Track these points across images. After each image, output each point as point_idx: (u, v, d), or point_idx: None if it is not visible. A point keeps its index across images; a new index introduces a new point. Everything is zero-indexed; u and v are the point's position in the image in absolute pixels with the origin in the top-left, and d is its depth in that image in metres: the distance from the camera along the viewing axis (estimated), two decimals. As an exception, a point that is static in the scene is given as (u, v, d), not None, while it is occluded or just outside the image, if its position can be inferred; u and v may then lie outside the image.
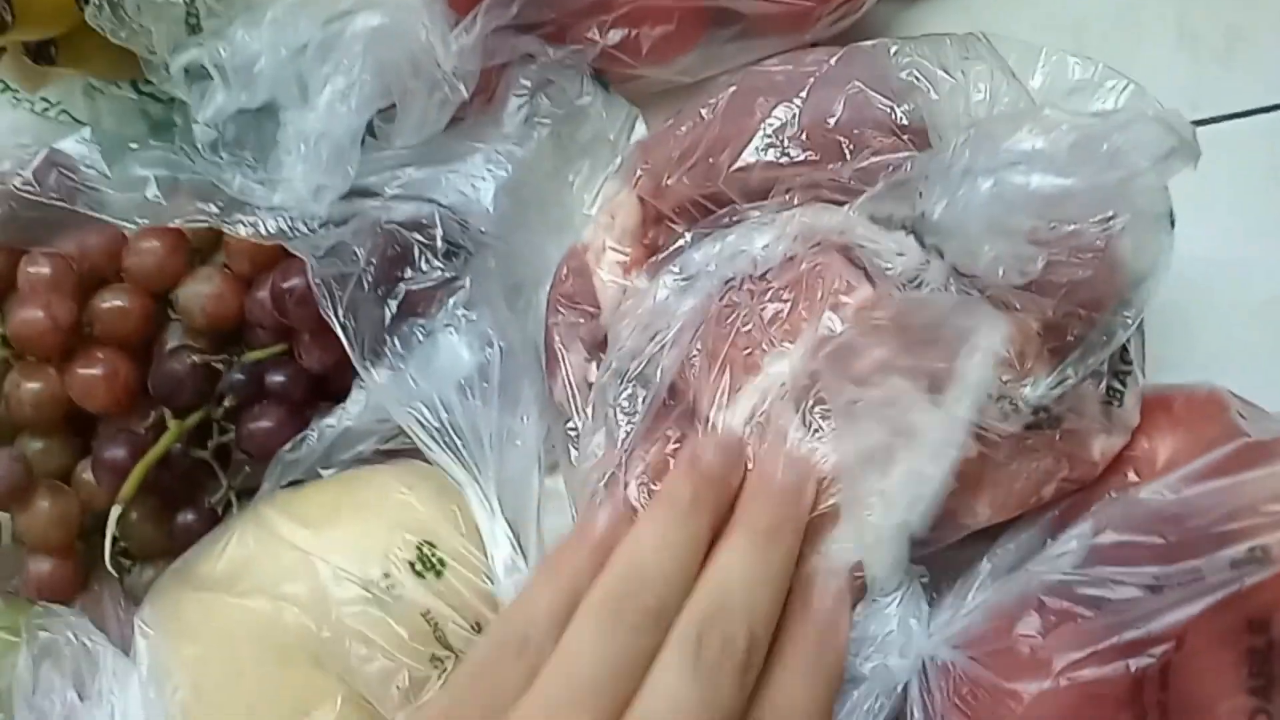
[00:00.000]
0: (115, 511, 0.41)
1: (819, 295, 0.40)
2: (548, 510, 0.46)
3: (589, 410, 0.45)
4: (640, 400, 0.43)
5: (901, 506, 0.37)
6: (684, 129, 0.45)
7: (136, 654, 0.40)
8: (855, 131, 0.42)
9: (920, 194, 0.37)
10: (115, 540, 0.43)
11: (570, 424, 0.46)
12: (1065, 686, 0.34)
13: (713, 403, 0.42)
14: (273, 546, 0.40)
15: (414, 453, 0.44)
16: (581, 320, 0.47)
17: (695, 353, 0.42)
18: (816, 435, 0.40)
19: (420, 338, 0.45)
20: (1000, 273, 0.36)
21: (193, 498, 0.45)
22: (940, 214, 0.36)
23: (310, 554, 0.40)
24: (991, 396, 0.38)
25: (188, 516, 0.45)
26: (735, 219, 0.43)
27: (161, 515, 0.45)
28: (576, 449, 0.45)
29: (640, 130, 0.54)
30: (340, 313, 0.42)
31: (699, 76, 0.53)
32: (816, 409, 0.40)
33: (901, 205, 0.40)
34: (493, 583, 0.40)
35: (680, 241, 0.44)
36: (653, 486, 0.41)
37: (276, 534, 0.40)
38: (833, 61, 0.44)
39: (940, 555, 0.40)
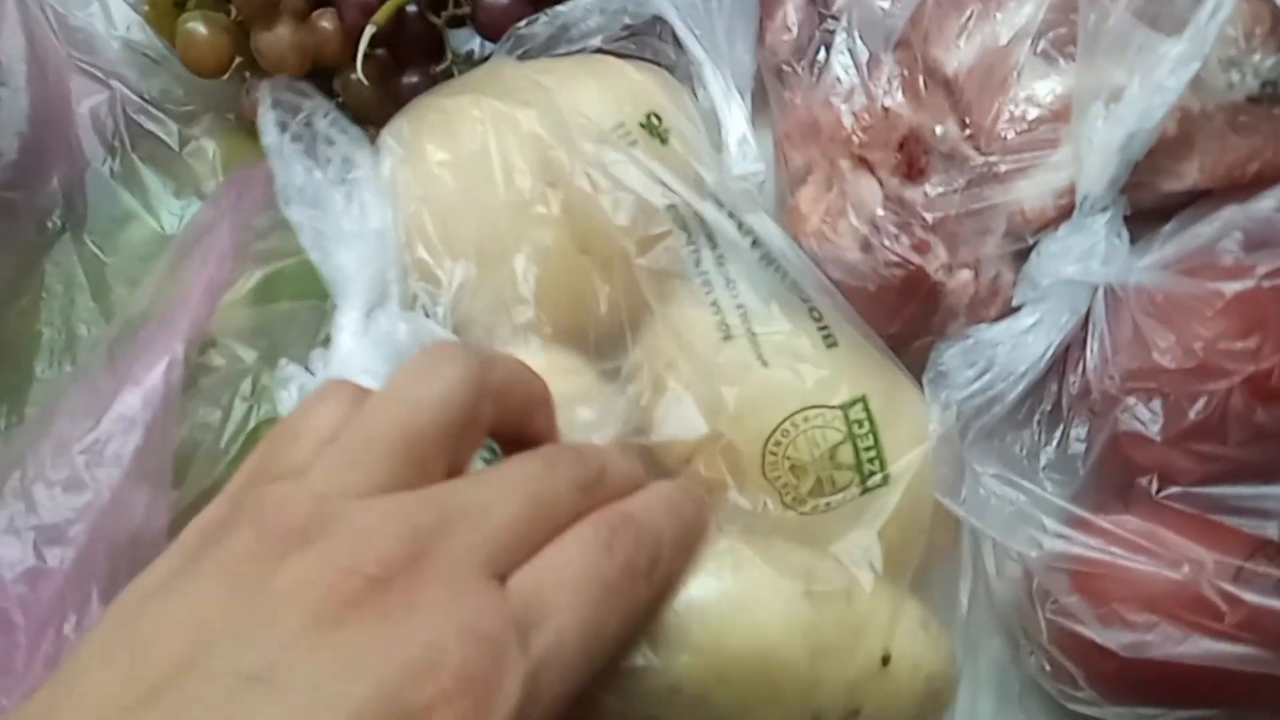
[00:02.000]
0: (369, 30, 0.43)
1: (1066, -49, 0.43)
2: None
3: (811, 49, 0.47)
4: (870, 42, 0.45)
5: (1129, 120, 0.39)
6: None
7: (379, 163, 0.42)
8: None
9: None
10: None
11: (785, 64, 0.48)
12: (1267, 289, 0.37)
13: (942, 43, 0.44)
14: (517, 81, 0.42)
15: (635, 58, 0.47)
16: (807, -31, 0.48)
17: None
18: (1051, 70, 0.42)
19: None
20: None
21: (417, 63, 0.47)
22: None
23: (551, 90, 0.42)
24: (1220, 61, 0.41)
25: (412, 79, 0.47)
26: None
27: (385, 75, 0.47)
28: (788, 89, 0.47)
29: None
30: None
31: None
32: (1052, 48, 0.42)
33: None
34: (720, 153, 0.42)
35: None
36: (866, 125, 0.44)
37: (521, 73, 0.42)
38: None
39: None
